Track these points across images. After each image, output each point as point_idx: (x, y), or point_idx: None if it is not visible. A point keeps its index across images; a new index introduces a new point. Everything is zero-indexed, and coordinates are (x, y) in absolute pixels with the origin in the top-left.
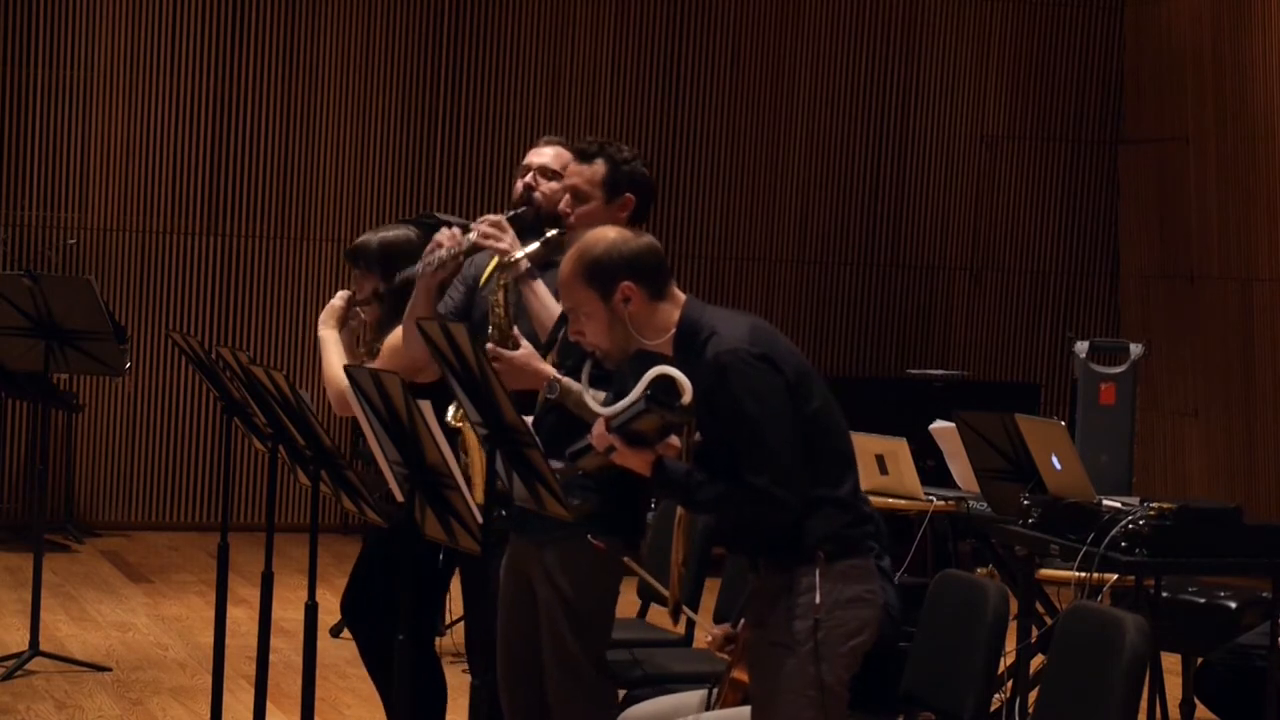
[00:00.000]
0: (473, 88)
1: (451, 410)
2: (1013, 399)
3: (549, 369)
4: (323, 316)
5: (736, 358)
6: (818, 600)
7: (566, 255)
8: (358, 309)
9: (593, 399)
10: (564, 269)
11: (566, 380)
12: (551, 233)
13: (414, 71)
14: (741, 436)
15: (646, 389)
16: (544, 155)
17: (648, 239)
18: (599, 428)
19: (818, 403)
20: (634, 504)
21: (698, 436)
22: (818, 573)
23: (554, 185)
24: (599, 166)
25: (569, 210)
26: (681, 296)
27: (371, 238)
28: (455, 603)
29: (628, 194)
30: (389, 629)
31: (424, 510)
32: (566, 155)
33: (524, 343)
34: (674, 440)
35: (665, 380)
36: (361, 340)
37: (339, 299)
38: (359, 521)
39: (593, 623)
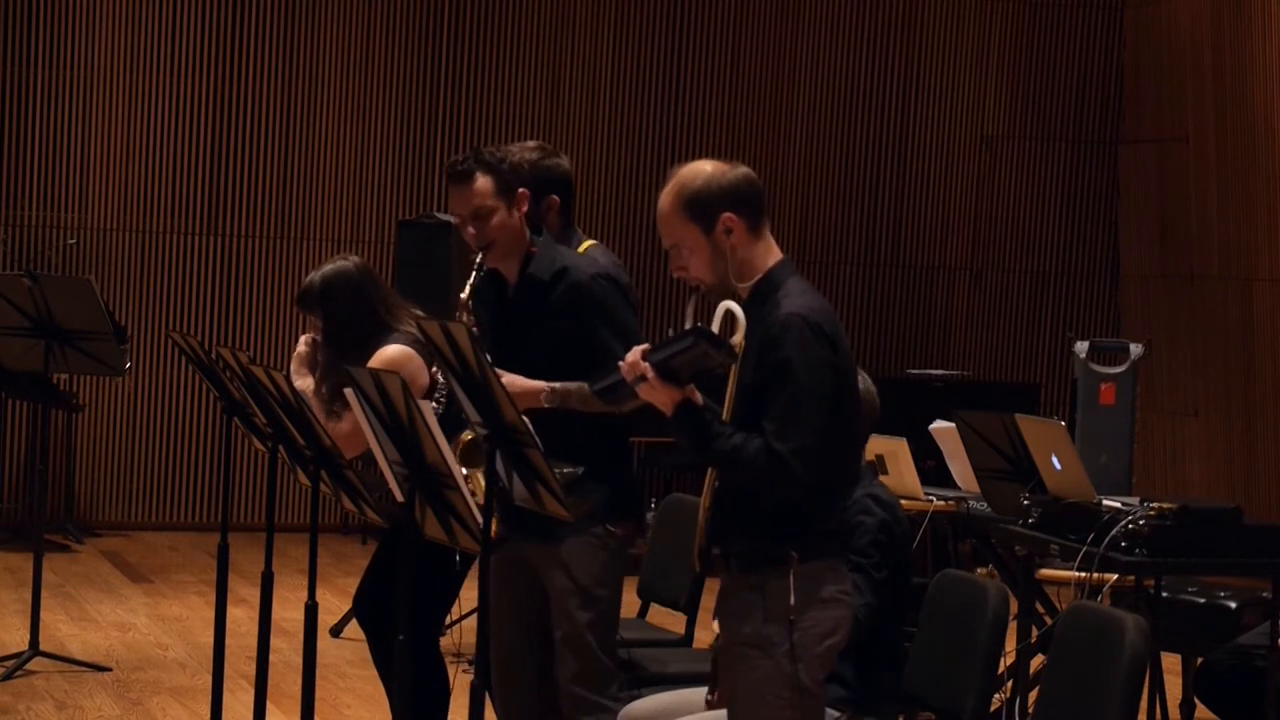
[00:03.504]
0: (473, 88)
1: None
2: (1013, 399)
3: (538, 382)
4: (293, 367)
5: (806, 323)
6: (792, 601)
7: (663, 192)
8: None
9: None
10: (663, 206)
11: (559, 385)
12: (476, 259)
13: (414, 71)
14: (780, 399)
15: (696, 324)
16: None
17: (744, 169)
18: (634, 356)
19: (847, 412)
20: (635, 487)
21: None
22: (791, 573)
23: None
24: (484, 179)
25: (479, 232)
26: (778, 252)
27: (315, 277)
28: (456, 603)
29: (519, 189)
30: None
31: (424, 510)
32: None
33: (502, 373)
34: (696, 393)
35: (708, 334)
36: (318, 390)
37: (303, 344)
38: (359, 521)
39: (606, 610)
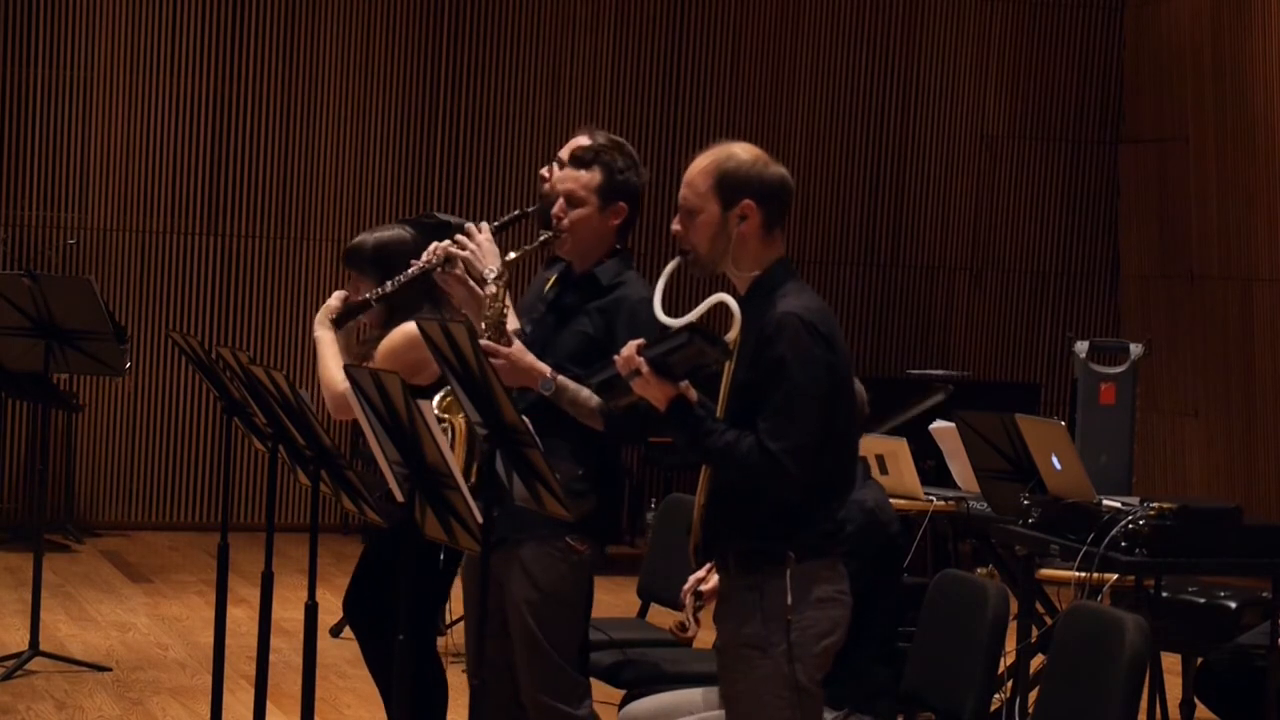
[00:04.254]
0: (473, 88)
1: (438, 399)
2: (1013, 399)
3: (544, 366)
4: (319, 316)
5: (802, 322)
6: (789, 601)
7: (703, 153)
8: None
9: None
10: (695, 165)
11: (562, 378)
12: (542, 235)
13: (414, 71)
14: (775, 398)
15: (694, 320)
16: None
17: (783, 170)
18: (628, 350)
19: (843, 414)
20: (617, 508)
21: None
22: (788, 574)
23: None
24: (595, 174)
25: (562, 215)
26: (782, 251)
27: (367, 238)
28: (456, 603)
29: (621, 202)
30: (388, 630)
31: (424, 510)
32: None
33: (516, 340)
34: (691, 389)
35: (703, 331)
36: (359, 339)
37: (335, 299)
38: (359, 521)
39: (566, 623)
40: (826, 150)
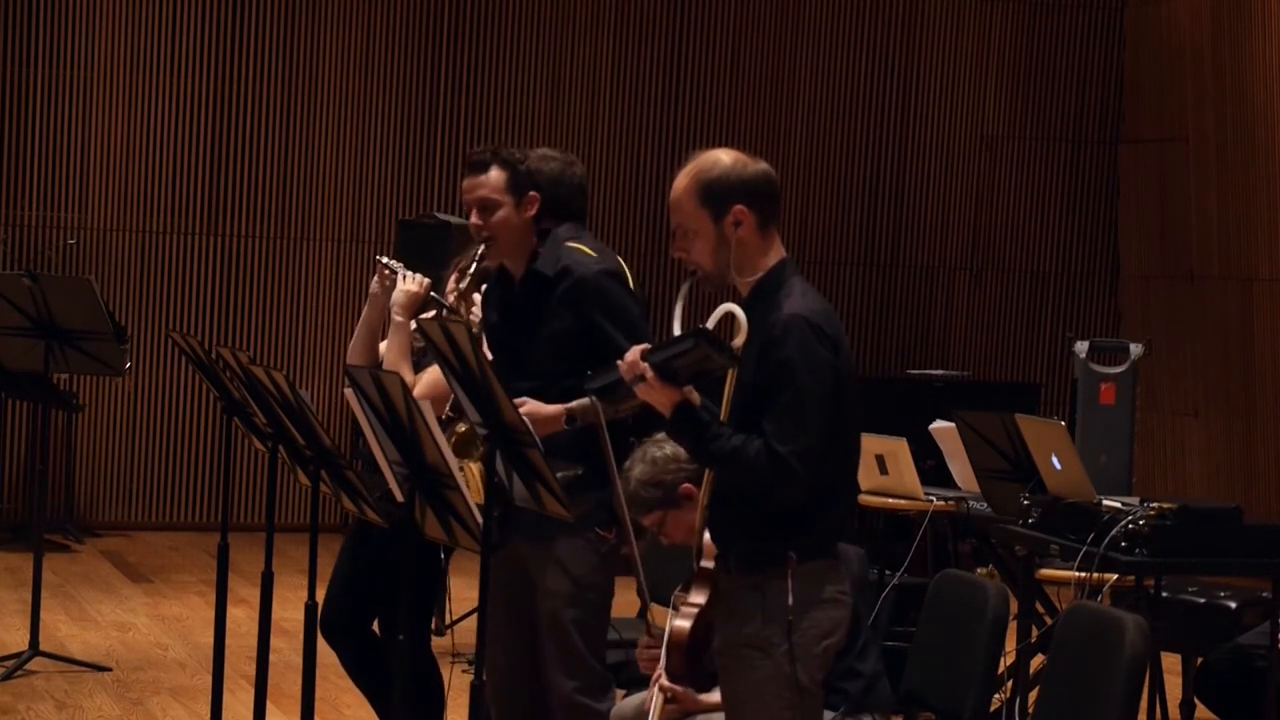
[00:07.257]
0: (473, 88)
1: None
2: (1013, 399)
3: (556, 408)
4: (404, 301)
5: (808, 324)
6: (790, 601)
7: (681, 173)
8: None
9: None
10: (677, 186)
11: (575, 404)
12: (476, 250)
13: (414, 72)
14: (782, 401)
15: (698, 325)
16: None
17: (764, 165)
18: (633, 356)
19: (847, 414)
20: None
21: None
22: (789, 574)
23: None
24: (499, 173)
25: (482, 223)
26: (783, 251)
27: None
28: (456, 603)
29: (531, 191)
30: (362, 630)
31: (424, 510)
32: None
33: (526, 400)
34: (695, 394)
35: (709, 336)
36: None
37: (420, 286)
38: (359, 522)
39: (593, 611)
40: (826, 150)
